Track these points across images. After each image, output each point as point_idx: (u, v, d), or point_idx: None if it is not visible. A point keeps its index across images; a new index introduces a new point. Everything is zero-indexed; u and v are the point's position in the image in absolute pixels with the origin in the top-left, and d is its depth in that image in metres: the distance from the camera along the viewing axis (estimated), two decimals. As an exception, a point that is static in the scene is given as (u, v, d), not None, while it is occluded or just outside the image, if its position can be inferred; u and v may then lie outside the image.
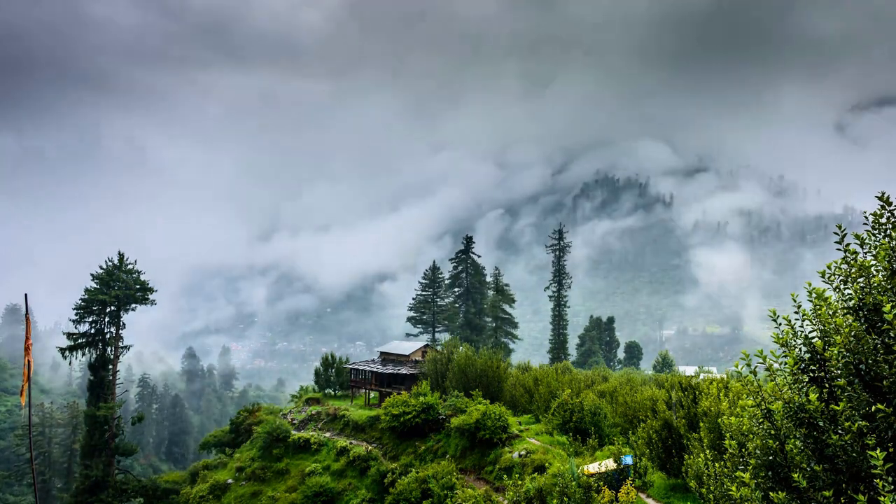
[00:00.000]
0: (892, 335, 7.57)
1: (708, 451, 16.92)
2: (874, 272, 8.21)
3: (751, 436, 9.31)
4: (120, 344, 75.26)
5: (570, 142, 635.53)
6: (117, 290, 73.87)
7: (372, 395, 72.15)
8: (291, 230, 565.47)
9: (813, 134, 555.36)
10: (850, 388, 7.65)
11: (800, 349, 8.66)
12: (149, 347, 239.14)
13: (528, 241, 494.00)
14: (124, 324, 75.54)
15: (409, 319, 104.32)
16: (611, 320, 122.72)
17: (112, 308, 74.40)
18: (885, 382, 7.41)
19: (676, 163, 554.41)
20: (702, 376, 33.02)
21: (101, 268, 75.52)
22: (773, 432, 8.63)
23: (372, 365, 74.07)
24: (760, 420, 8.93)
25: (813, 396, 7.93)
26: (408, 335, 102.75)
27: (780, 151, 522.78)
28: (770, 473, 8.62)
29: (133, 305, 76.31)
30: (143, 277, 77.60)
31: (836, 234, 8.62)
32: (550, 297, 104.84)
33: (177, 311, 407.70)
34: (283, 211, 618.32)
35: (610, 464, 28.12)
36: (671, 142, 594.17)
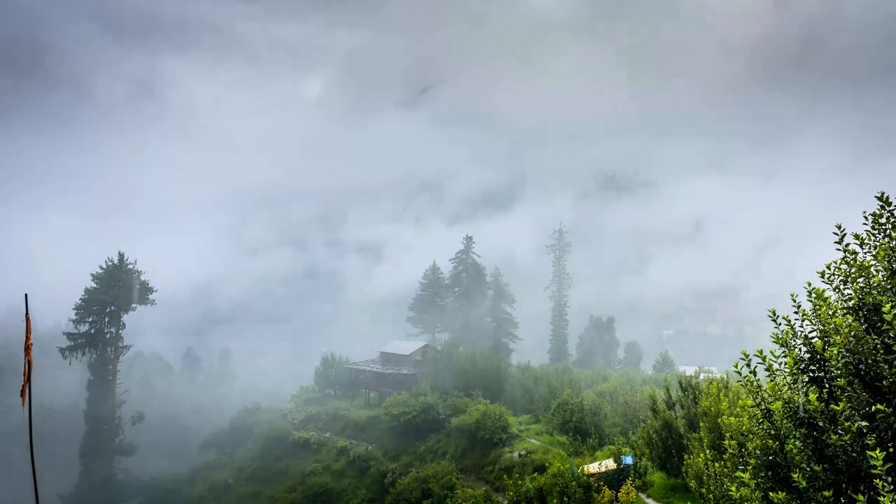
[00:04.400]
0: (891, 335, 7.57)
1: (708, 451, 16.93)
2: (874, 272, 8.21)
3: (750, 436, 9.30)
4: (120, 344, 75.27)
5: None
6: (117, 290, 73.87)
7: (372, 395, 72.12)
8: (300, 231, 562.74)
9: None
10: (849, 388, 7.65)
11: (799, 349, 8.65)
12: (149, 347, 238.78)
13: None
14: (124, 324, 75.56)
15: (409, 319, 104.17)
16: (611, 320, 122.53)
17: (112, 308, 74.42)
18: (884, 382, 7.41)
19: (688, 162, 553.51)
20: (702, 376, 32.99)
21: (101, 268, 75.50)
22: (772, 432, 8.62)
23: (372, 365, 74.12)
24: (760, 420, 8.92)
25: (813, 396, 7.94)
26: (408, 335, 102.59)
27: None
28: (770, 473, 8.62)
29: (133, 305, 76.34)
30: (143, 278, 77.61)
31: (835, 234, 8.60)
32: (551, 297, 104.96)
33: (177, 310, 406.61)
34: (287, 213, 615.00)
35: (610, 464, 28.15)
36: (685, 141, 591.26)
